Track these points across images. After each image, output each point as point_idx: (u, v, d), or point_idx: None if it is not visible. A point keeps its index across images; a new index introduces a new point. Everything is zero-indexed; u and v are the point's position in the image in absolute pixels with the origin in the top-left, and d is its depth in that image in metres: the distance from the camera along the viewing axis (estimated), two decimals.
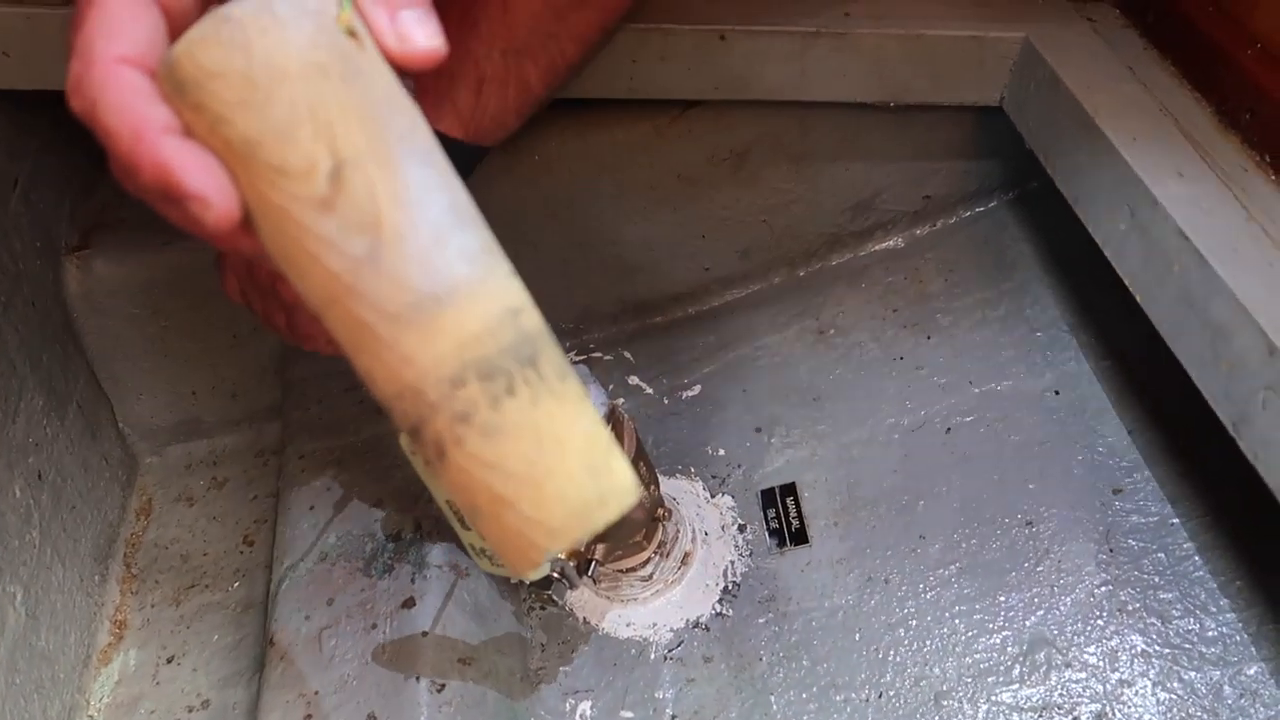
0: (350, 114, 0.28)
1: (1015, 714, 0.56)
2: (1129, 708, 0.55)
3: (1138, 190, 0.53)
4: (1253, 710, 0.53)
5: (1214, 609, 0.57)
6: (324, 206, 0.28)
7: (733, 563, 0.67)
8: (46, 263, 0.71)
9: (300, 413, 0.73)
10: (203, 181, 0.28)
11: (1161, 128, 0.57)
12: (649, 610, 0.65)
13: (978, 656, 0.59)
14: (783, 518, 0.68)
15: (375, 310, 0.29)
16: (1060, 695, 0.56)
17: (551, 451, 0.30)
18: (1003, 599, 0.60)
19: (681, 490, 0.71)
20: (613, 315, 0.84)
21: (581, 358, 0.82)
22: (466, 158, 0.54)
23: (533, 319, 0.31)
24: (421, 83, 0.51)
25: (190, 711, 0.67)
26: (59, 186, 0.74)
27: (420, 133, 0.30)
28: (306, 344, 0.34)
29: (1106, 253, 0.57)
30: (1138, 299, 0.54)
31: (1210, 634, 0.56)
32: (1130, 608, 0.58)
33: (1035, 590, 0.60)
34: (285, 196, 0.28)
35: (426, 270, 0.29)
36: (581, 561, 0.60)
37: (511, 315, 0.30)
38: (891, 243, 0.82)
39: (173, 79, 0.28)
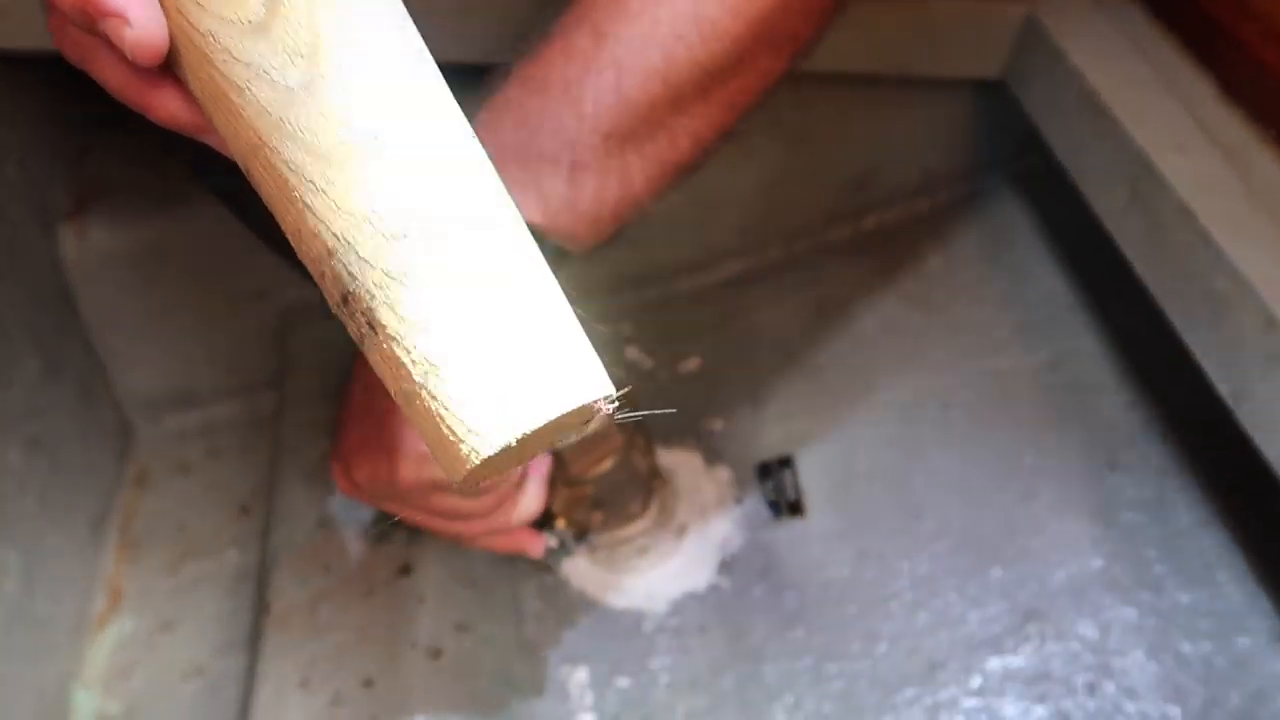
0: None
1: (1008, 684, 0.57)
2: (1121, 678, 0.55)
3: (1139, 164, 0.53)
4: (1244, 680, 0.54)
5: (1208, 582, 0.58)
6: (256, 31, 0.25)
7: (730, 534, 0.67)
8: (41, 229, 0.70)
9: (297, 382, 0.73)
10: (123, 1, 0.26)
11: (1164, 102, 0.57)
12: (645, 581, 0.65)
13: (972, 628, 0.59)
14: (780, 490, 0.68)
15: (306, 149, 0.25)
16: (1053, 666, 0.57)
17: (504, 317, 0.25)
18: (997, 572, 0.61)
19: (678, 462, 0.71)
20: (610, 289, 0.83)
21: None
22: (550, 258, 0.49)
23: (490, 173, 0.27)
24: (506, 154, 0.43)
25: (186, 678, 0.67)
26: (53, 152, 0.73)
27: None
28: (149, 110, 0.30)
29: (1107, 227, 0.57)
30: (1138, 273, 0.55)
31: (1203, 606, 0.57)
32: (1124, 581, 0.59)
33: (1030, 563, 0.61)
34: (213, 20, 0.25)
35: (368, 106, 0.26)
36: (578, 531, 0.60)
37: (468, 164, 0.27)
38: (890, 218, 0.82)
39: None
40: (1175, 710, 0.54)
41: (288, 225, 0.27)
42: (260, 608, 0.61)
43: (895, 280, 0.78)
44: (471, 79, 0.32)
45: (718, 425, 0.73)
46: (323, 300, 0.27)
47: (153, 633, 0.70)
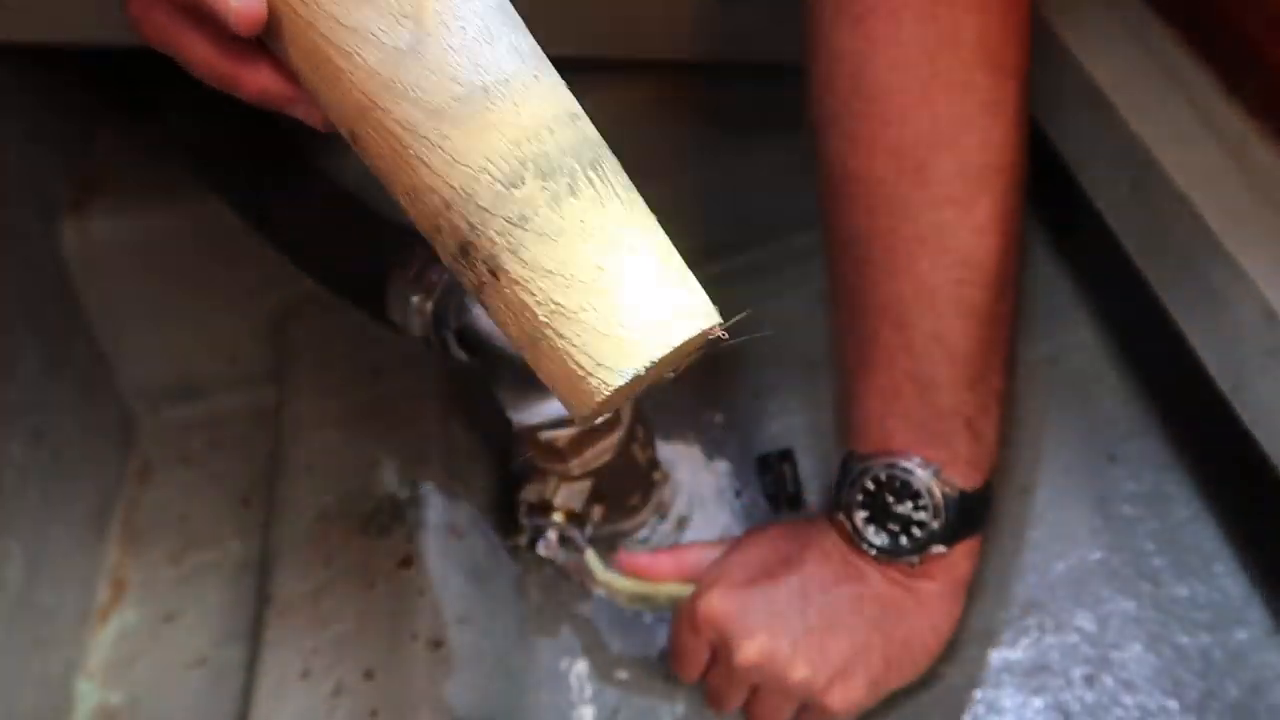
0: None
1: (1006, 676, 0.57)
2: (1119, 670, 0.56)
3: (1140, 156, 0.53)
4: (1241, 674, 0.54)
5: (1206, 575, 0.58)
6: None
7: (729, 527, 0.67)
8: (43, 221, 0.70)
9: (297, 374, 0.73)
10: None
11: (1165, 94, 0.56)
12: None
13: (970, 621, 0.59)
14: (780, 483, 0.68)
15: (418, 106, 0.26)
16: (1051, 658, 0.57)
17: (623, 257, 0.27)
18: (996, 564, 0.61)
19: (678, 455, 0.71)
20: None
21: None
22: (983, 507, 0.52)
23: (593, 129, 0.29)
24: (919, 445, 0.49)
25: (189, 669, 0.67)
26: (53, 144, 0.73)
27: None
28: (240, 84, 0.31)
29: (1107, 219, 0.57)
30: (1138, 265, 0.54)
31: (1202, 599, 0.57)
32: (1123, 573, 0.59)
33: (1028, 556, 0.61)
34: None
35: (476, 62, 0.27)
36: (578, 524, 0.60)
37: (570, 118, 0.28)
38: None
39: None
40: (1173, 703, 0.54)
41: (400, 184, 0.27)
42: (262, 599, 0.62)
43: None
44: None
45: (717, 418, 0.73)
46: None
47: (155, 623, 0.70)
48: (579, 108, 0.29)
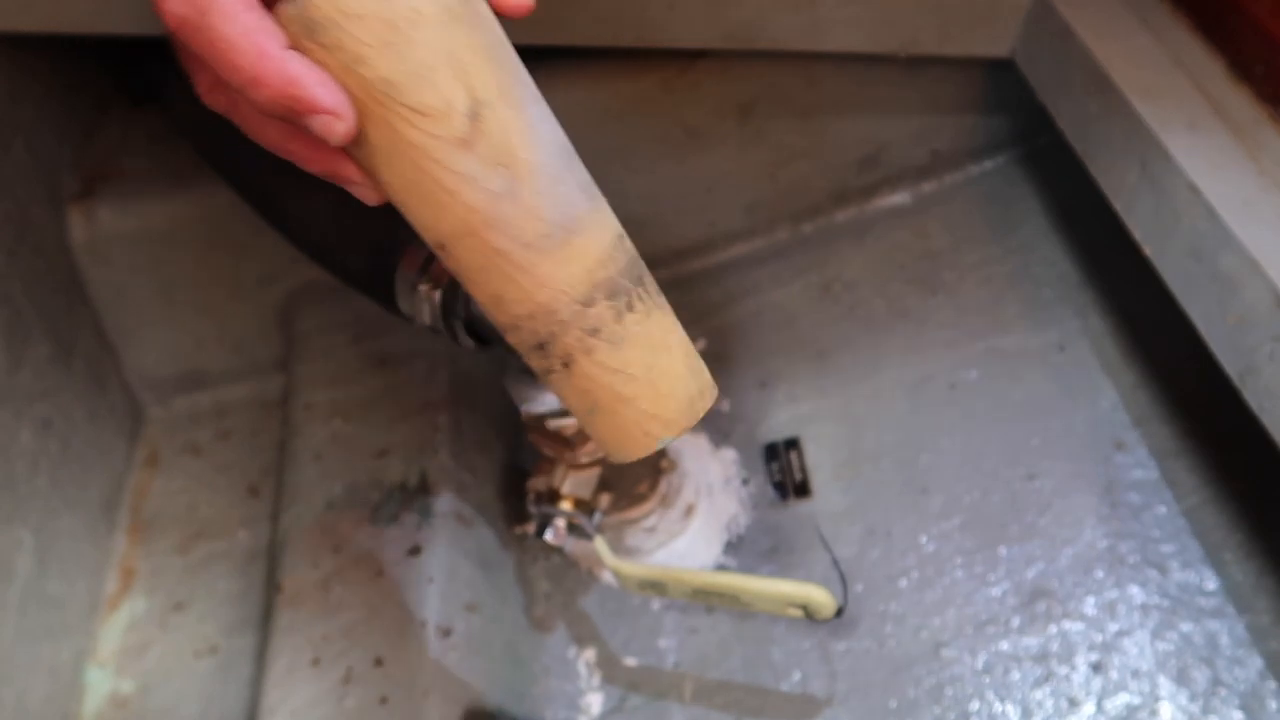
0: (480, 56, 0.30)
1: (1014, 663, 0.57)
2: (1126, 657, 0.56)
3: (1149, 143, 0.53)
4: (1249, 660, 0.54)
5: (1213, 562, 0.58)
6: (463, 145, 0.30)
7: (736, 515, 0.67)
8: (50, 211, 0.70)
9: (305, 364, 0.73)
10: (334, 98, 0.29)
11: (1174, 80, 0.56)
12: (652, 561, 0.65)
13: (978, 607, 0.60)
14: (786, 471, 0.68)
15: (512, 240, 0.31)
16: (1058, 645, 0.57)
17: (663, 356, 0.35)
18: (1003, 551, 0.61)
19: (685, 444, 0.71)
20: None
21: None
22: None
23: (629, 242, 0.35)
24: None
25: (199, 657, 0.68)
26: (60, 134, 0.73)
27: (527, 75, 0.32)
28: (310, 163, 0.33)
29: (1116, 206, 0.57)
30: (1146, 252, 0.54)
31: (1209, 586, 0.57)
32: (1130, 560, 0.59)
33: (1036, 543, 0.61)
34: (423, 135, 0.29)
35: (556, 202, 0.32)
36: (586, 512, 0.60)
37: (619, 240, 0.34)
38: (898, 198, 0.82)
39: (304, 19, 0.29)
40: (1181, 690, 0.54)
41: (489, 291, 0.33)
42: (271, 587, 0.62)
43: (903, 260, 0.78)
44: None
45: (724, 407, 0.73)
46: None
47: (165, 612, 0.70)
48: (620, 226, 0.35)
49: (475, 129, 0.30)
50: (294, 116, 0.29)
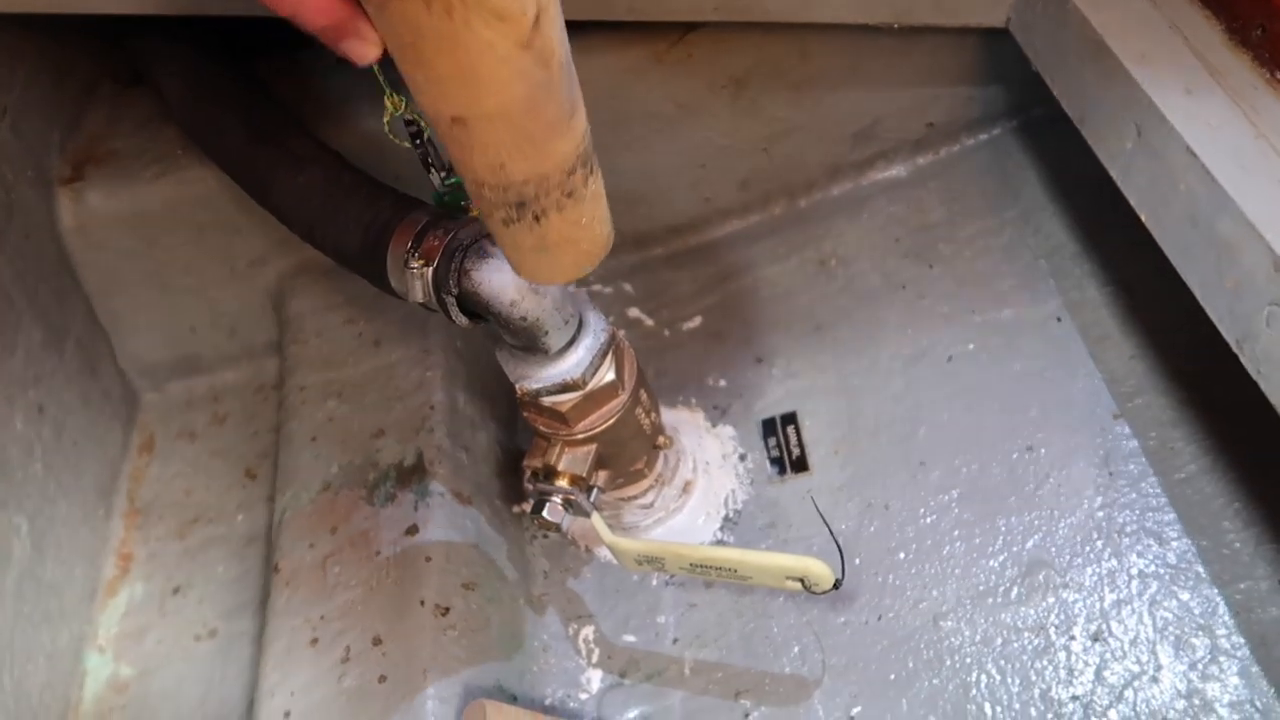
0: None
1: (1012, 633, 0.57)
2: (1125, 626, 0.56)
3: (1146, 108, 0.52)
4: (1246, 627, 0.54)
5: (1212, 530, 0.58)
6: (525, 45, 0.33)
7: (734, 491, 0.67)
8: (39, 195, 0.70)
9: (299, 346, 0.73)
10: None
11: (1171, 45, 0.56)
12: (650, 537, 0.65)
13: (976, 579, 0.59)
14: (784, 446, 0.68)
15: (538, 120, 0.35)
16: (1057, 615, 0.57)
17: (601, 205, 0.42)
18: (1002, 523, 0.61)
19: (682, 420, 0.71)
20: (612, 248, 0.83)
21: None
22: None
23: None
24: None
25: (198, 640, 0.68)
26: (47, 117, 0.72)
27: None
28: (310, 9, 0.34)
29: (1112, 172, 0.56)
30: (1143, 219, 0.54)
31: (1207, 554, 0.57)
32: (1128, 530, 0.59)
33: (1034, 514, 0.61)
34: (497, 34, 0.32)
35: (569, 90, 0.36)
36: (583, 489, 0.60)
37: (585, 118, 0.39)
38: (893, 172, 0.81)
39: None
40: (1179, 658, 0.54)
41: (495, 161, 0.37)
42: (269, 569, 0.62)
43: (899, 234, 0.77)
44: None
45: (721, 383, 0.73)
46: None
47: (164, 596, 0.70)
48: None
49: (536, 30, 0.32)
50: None
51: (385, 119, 0.48)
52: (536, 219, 0.40)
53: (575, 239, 0.42)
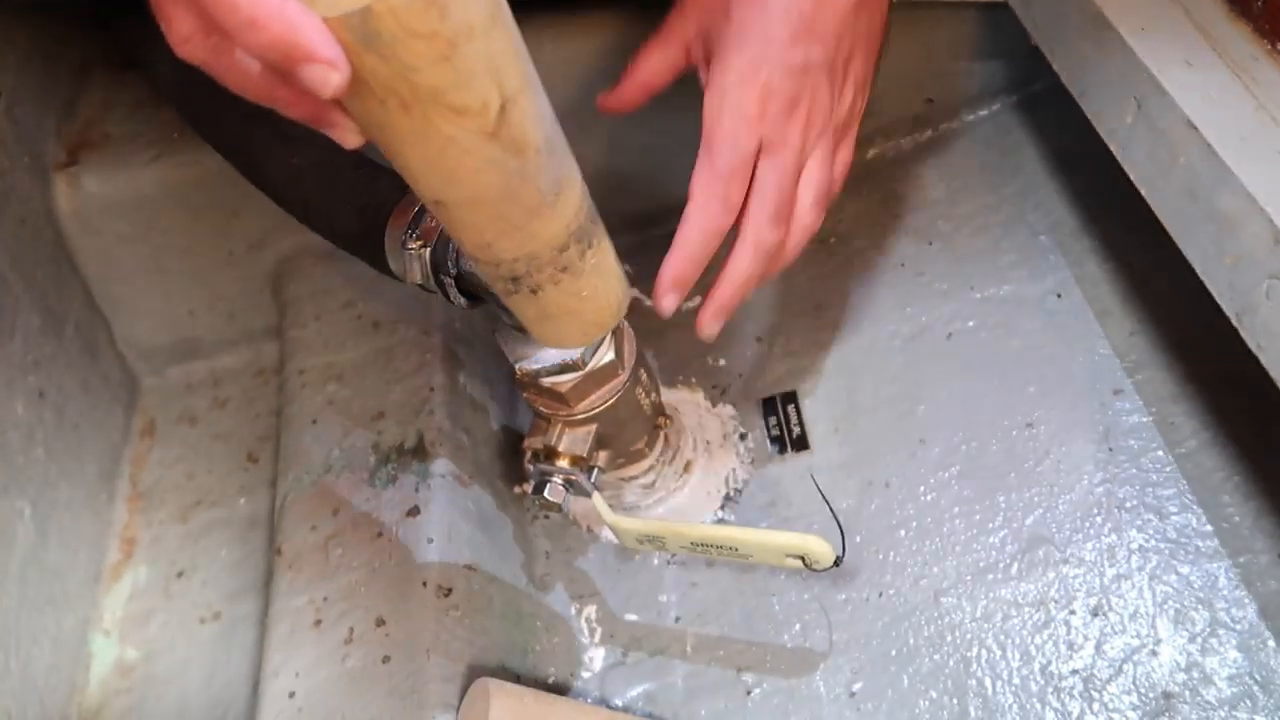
0: (510, 56, 0.32)
1: (1013, 609, 0.57)
2: (1125, 600, 0.56)
3: (1145, 81, 0.52)
4: (1247, 601, 0.54)
5: (1212, 504, 0.58)
6: (491, 137, 0.32)
7: (734, 470, 0.67)
8: (35, 180, 0.70)
9: (298, 330, 0.73)
10: (332, 50, 0.28)
11: (1170, 17, 0.55)
12: (652, 517, 0.65)
13: (977, 555, 0.60)
14: (784, 425, 0.68)
15: (516, 205, 0.36)
16: (1057, 590, 0.57)
17: (607, 277, 0.43)
18: (1002, 499, 0.61)
19: (682, 400, 0.71)
20: (611, 228, 0.82)
21: None
22: None
23: (586, 189, 0.40)
24: None
25: (202, 623, 0.68)
26: (42, 101, 0.72)
27: (528, 53, 0.33)
28: (283, 105, 0.33)
29: (1112, 146, 0.56)
30: (1143, 192, 0.54)
31: (1207, 528, 0.57)
32: (1128, 505, 0.59)
33: (1034, 490, 0.61)
34: (457, 129, 0.31)
35: (551, 171, 0.36)
36: (584, 469, 0.60)
37: (584, 192, 0.40)
38: (892, 148, 0.81)
39: (365, 29, 0.28)
40: (1179, 631, 0.54)
41: (481, 241, 0.38)
42: (272, 552, 0.62)
43: (898, 211, 0.77)
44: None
45: (721, 362, 0.73)
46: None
47: (167, 580, 0.71)
48: (579, 173, 0.39)
49: (502, 121, 0.32)
50: (289, 64, 0.28)
51: None
52: (533, 292, 0.40)
53: (578, 310, 0.42)
